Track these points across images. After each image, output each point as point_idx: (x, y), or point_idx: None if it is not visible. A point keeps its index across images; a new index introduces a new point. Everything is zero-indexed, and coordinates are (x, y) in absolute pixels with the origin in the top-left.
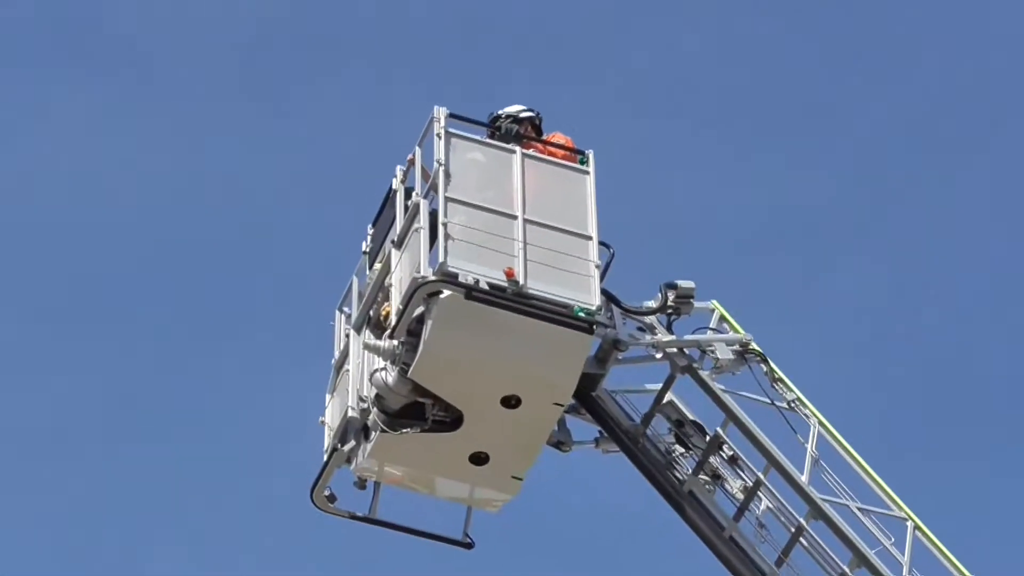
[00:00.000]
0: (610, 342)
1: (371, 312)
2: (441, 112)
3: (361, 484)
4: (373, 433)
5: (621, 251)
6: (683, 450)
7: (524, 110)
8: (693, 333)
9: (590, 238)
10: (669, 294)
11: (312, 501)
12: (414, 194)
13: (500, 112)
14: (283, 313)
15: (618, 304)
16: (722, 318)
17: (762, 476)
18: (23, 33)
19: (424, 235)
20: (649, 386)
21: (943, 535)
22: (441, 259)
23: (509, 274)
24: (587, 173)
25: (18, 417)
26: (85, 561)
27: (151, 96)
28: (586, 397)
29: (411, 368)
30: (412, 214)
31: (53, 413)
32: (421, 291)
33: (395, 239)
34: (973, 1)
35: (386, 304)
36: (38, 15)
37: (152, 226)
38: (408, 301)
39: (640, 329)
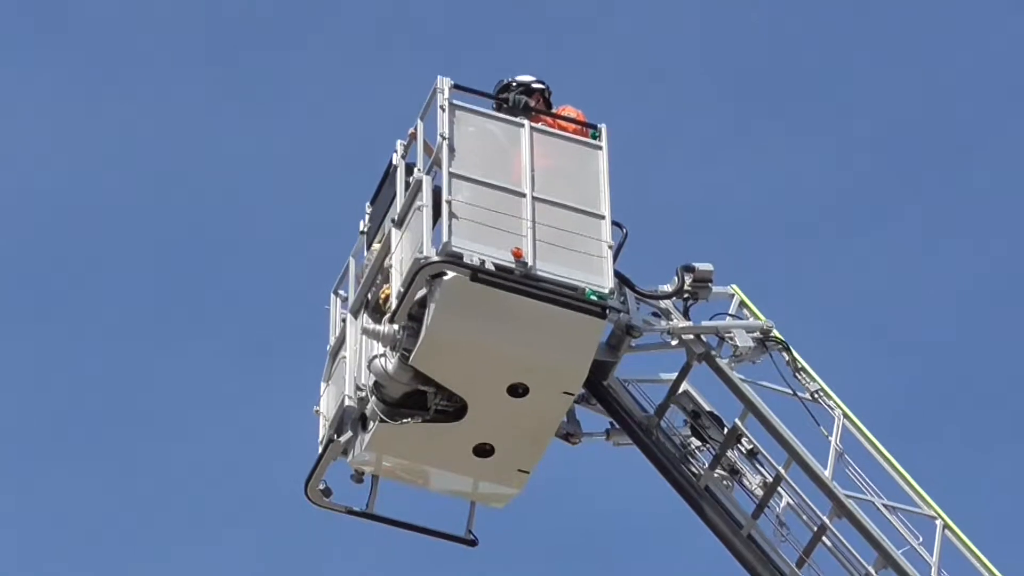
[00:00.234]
0: (623, 328)
1: (369, 295)
2: (445, 83)
3: (358, 477)
4: (371, 423)
5: (635, 231)
6: (699, 443)
7: (536, 81)
8: (711, 319)
9: (603, 217)
10: (686, 277)
11: (306, 495)
12: (416, 170)
13: (510, 80)
14: (274, 296)
15: (632, 287)
16: (742, 303)
17: (783, 471)
18: None
19: (427, 213)
20: (664, 375)
21: (975, 535)
22: (445, 239)
23: (517, 255)
24: (600, 148)
25: (18, 417)
26: (85, 561)
27: (127, 72)
28: (597, 386)
29: (412, 354)
30: (414, 191)
31: (53, 413)
32: (423, 273)
33: (395, 218)
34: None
35: (386, 287)
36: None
37: (138, 212)
38: (410, 283)
39: (655, 314)
